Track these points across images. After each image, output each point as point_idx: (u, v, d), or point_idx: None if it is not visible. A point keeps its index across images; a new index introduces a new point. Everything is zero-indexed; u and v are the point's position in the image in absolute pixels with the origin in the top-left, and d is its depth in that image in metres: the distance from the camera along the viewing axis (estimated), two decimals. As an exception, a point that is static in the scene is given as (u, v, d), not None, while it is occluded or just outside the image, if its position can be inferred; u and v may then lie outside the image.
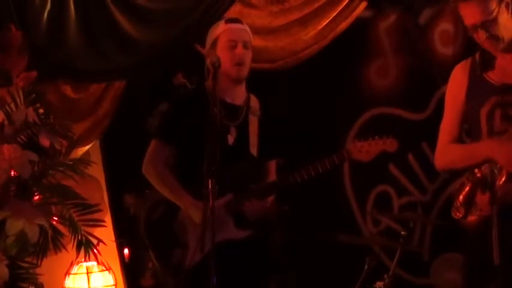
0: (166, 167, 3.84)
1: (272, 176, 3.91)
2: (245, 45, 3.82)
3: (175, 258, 3.78)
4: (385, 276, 4.18)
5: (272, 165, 3.94)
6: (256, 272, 3.84)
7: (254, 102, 3.93)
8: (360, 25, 4.68)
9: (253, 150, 3.84)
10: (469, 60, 3.39)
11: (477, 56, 3.35)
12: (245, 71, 3.83)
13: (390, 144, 3.76)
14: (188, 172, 3.79)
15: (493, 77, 3.29)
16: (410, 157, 4.73)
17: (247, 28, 3.91)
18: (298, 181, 3.74)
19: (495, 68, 3.29)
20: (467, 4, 3.22)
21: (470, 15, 3.23)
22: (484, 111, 3.26)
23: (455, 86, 3.40)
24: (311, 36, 4.61)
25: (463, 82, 3.35)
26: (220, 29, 3.86)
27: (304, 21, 4.61)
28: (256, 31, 4.56)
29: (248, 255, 3.77)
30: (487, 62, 3.31)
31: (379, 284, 4.18)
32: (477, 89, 3.31)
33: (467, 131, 3.44)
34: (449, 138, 3.39)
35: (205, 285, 3.28)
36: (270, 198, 3.85)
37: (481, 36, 3.23)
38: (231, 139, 3.80)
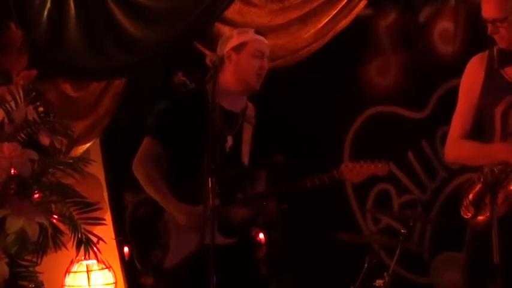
0: (156, 166, 3.80)
1: (261, 186, 3.87)
2: (267, 60, 3.84)
3: (155, 258, 3.76)
4: (385, 274, 4.18)
5: (262, 175, 3.90)
6: (243, 277, 3.79)
7: (250, 110, 3.89)
8: (360, 23, 4.67)
9: (245, 159, 3.81)
10: (486, 53, 3.33)
11: (495, 50, 3.29)
12: (259, 85, 3.82)
13: (381, 169, 3.75)
14: (177, 173, 3.77)
15: (511, 73, 3.24)
16: (410, 155, 4.73)
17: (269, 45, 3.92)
18: (284, 193, 3.75)
19: None
20: None
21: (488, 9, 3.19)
22: (499, 110, 3.23)
23: (471, 78, 3.35)
24: (311, 35, 4.61)
25: (479, 75, 3.30)
26: (250, 35, 3.83)
27: (304, 20, 4.60)
28: (256, 29, 4.56)
29: (231, 262, 3.66)
30: (505, 57, 3.25)
31: (379, 282, 4.18)
32: (493, 85, 3.27)
33: (479, 130, 3.39)
34: (462, 132, 3.36)
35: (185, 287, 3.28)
36: (263, 203, 3.86)
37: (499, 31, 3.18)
38: (227, 148, 3.76)
